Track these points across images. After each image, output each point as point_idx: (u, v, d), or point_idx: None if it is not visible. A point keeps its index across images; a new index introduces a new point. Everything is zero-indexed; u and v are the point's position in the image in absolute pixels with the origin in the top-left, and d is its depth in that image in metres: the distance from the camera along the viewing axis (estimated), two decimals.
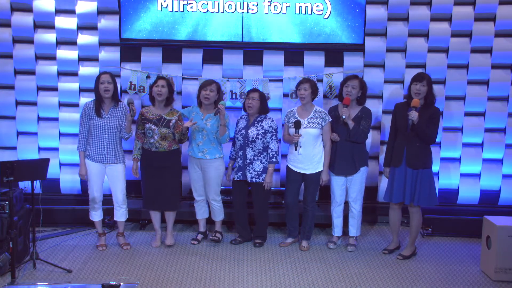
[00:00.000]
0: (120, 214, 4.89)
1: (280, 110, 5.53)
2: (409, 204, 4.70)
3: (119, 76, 5.46)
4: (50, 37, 5.47)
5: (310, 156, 4.80)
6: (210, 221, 5.17)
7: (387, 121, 5.22)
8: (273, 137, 4.85)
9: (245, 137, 4.84)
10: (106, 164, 4.74)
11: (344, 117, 4.64)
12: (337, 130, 4.78)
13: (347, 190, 4.93)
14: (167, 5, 5.38)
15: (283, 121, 5.00)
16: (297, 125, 4.71)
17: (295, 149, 4.76)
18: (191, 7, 5.39)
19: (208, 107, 4.85)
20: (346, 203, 4.99)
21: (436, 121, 4.58)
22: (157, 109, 4.80)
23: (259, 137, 4.81)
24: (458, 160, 5.61)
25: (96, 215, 4.83)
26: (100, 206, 4.83)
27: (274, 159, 4.85)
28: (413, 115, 4.44)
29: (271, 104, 5.40)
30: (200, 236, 5.12)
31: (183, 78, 5.44)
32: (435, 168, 5.55)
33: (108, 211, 5.08)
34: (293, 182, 4.91)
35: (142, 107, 5.20)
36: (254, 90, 4.94)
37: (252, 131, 4.82)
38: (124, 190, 4.85)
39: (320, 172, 4.85)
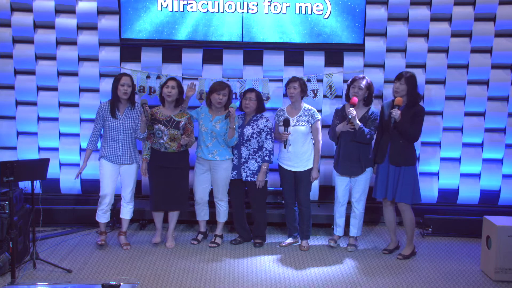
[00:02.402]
0: (127, 211, 4.90)
1: None
2: (391, 200, 4.73)
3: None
4: (50, 37, 5.47)
5: (299, 154, 4.82)
6: (210, 221, 5.17)
7: None
8: (268, 136, 4.86)
9: (240, 136, 4.85)
10: (121, 165, 4.77)
11: (350, 117, 4.65)
12: (343, 131, 4.78)
13: (351, 190, 4.94)
14: (167, 5, 5.38)
15: (274, 120, 5.01)
16: (286, 123, 4.74)
17: (284, 147, 4.79)
18: (191, 7, 5.39)
19: (218, 109, 4.86)
20: (349, 203, 5.00)
21: (419, 120, 4.62)
22: (167, 110, 4.81)
23: (254, 136, 4.82)
24: (458, 160, 5.60)
25: (104, 217, 4.84)
26: (109, 208, 4.84)
27: (267, 158, 4.86)
28: (395, 113, 4.50)
29: (271, 104, 5.40)
30: (200, 236, 5.12)
31: (183, 78, 5.44)
32: (435, 168, 5.55)
33: None
34: (287, 180, 4.94)
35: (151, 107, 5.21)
36: (251, 90, 4.95)
37: (247, 130, 4.83)
38: (134, 188, 4.89)
39: (310, 170, 4.86)
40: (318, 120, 4.87)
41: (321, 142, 4.90)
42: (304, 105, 4.90)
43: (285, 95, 5.47)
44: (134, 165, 4.84)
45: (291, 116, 4.85)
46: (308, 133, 4.85)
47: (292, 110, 4.90)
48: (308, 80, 5.28)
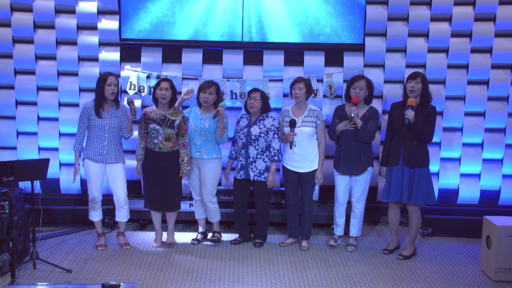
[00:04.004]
0: (122, 215, 4.88)
1: (280, 109, 5.51)
2: (406, 203, 4.71)
3: (119, 76, 5.46)
4: (50, 37, 5.47)
5: (305, 155, 4.81)
6: (209, 221, 5.17)
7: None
8: (275, 136, 4.86)
9: (248, 135, 4.84)
10: (106, 164, 4.74)
11: (353, 115, 4.64)
12: (343, 130, 4.78)
13: (351, 190, 4.94)
14: (167, 4, 5.38)
15: (278, 120, 5.00)
16: (292, 124, 4.73)
17: (290, 148, 4.78)
18: (191, 7, 5.39)
19: (207, 107, 4.86)
20: (349, 203, 5.01)
21: (432, 120, 4.60)
22: (160, 110, 4.80)
23: (262, 135, 4.82)
24: (458, 160, 5.61)
25: (96, 215, 4.83)
26: (100, 206, 4.83)
27: (276, 157, 4.85)
28: (409, 114, 4.46)
29: (271, 104, 5.39)
30: (200, 236, 5.12)
31: (183, 78, 5.44)
32: (435, 168, 5.55)
33: (108, 211, 5.08)
34: (291, 181, 4.92)
35: (143, 107, 5.21)
36: (255, 90, 4.95)
37: (255, 130, 4.82)
38: (126, 190, 4.85)
39: (315, 171, 4.86)
40: (324, 120, 4.87)
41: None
42: (309, 105, 4.89)
43: (285, 95, 5.49)
44: (120, 164, 4.79)
45: (296, 116, 4.83)
46: (314, 134, 4.84)
47: (297, 110, 4.88)
48: None
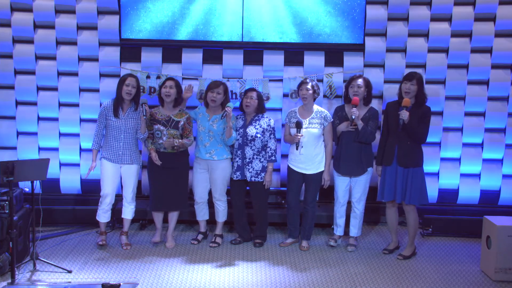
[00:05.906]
0: (128, 212, 4.91)
1: (280, 110, 5.52)
2: (400, 203, 4.72)
3: (119, 75, 5.45)
4: (50, 37, 5.46)
5: (311, 156, 4.80)
6: (210, 222, 5.17)
7: None
8: (272, 136, 4.86)
9: (244, 136, 4.84)
10: (121, 165, 4.77)
11: (354, 117, 4.64)
12: (343, 131, 4.77)
13: (351, 190, 4.93)
14: (167, 4, 5.37)
15: (283, 121, 5.00)
16: (299, 125, 4.72)
17: (297, 149, 4.76)
18: (191, 7, 5.38)
19: (214, 108, 4.86)
20: (349, 203, 5.01)
21: (427, 120, 4.62)
22: (165, 110, 4.81)
23: (258, 135, 4.82)
24: (458, 160, 5.60)
25: (104, 217, 4.85)
26: (110, 208, 4.85)
27: (273, 158, 4.86)
28: (404, 114, 4.47)
29: (271, 104, 5.40)
30: (200, 236, 5.12)
31: (183, 78, 5.44)
32: (435, 168, 5.55)
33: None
34: (294, 182, 4.92)
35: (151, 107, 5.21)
36: (252, 89, 4.95)
37: (251, 130, 4.82)
38: (135, 189, 4.90)
39: (321, 172, 4.85)
40: (331, 122, 4.86)
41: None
42: (316, 107, 4.88)
43: (285, 95, 5.49)
44: (135, 165, 4.83)
45: (303, 118, 4.81)
46: (320, 136, 4.83)
47: (304, 111, 4.87)
48: None
